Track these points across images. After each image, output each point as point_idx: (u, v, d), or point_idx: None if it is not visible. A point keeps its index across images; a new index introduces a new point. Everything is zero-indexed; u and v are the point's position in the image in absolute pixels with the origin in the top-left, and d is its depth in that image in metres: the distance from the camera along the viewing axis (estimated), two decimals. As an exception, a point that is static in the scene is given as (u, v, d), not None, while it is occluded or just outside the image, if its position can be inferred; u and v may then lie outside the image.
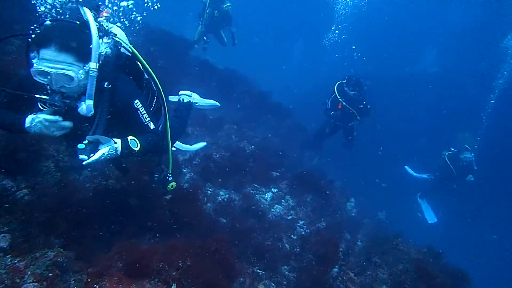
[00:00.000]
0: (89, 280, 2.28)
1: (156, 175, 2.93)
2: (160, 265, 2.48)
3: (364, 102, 8.34)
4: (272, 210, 5.92)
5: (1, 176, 3.15)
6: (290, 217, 5.89)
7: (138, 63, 2.73)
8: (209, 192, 5.57)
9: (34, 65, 2.05)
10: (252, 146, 7.67)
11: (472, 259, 9.66)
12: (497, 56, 15.79)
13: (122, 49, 2.59)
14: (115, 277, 2.20)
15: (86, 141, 2.14)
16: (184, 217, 4.08)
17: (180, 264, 2.63)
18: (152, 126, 2.52)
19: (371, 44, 17.86)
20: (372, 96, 8.92)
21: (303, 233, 5.62)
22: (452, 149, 10.14)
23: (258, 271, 4.51)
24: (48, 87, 2.17)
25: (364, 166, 11.57)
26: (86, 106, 2.21)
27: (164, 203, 4.15)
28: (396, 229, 5.84)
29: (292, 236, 5.43)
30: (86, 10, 2.31)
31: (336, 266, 5.03)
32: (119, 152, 2.26)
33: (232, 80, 11.04)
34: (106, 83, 2.29)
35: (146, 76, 2.90)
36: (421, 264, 4.59)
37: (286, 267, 4.79)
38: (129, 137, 2.36)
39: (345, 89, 8.17)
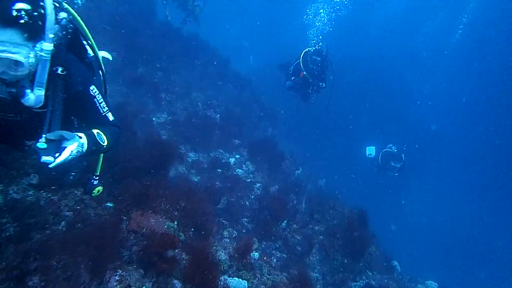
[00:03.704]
0: (116, 212, 3.03)
1: (73, 173, 2.37)
2: (167, 206, 3.31)
3: (323, 75, 9.02)
4: (235, 173, 6.86)
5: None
6: (249, 180, 6.89)
7: (81, 37, 2.26)
8: (181, 153, 6.31)
9: None
10: (218, 115, 8.43)
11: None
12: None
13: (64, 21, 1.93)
14: (138, 211, 2.99)
15: (43, 140, 1.72)
16: (163, 166, 4.71)
17: (178, 206, 3.47)
18: (111, 117, 2.16)
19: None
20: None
21: (259, 193, 6.65)
22: (394, 149, 10.97)
23: (223, 221, 5.48)
24: None
25: (313, 139, 12.90)
26: (35, 97, 1.76)
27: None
28: (335, 193, 7.16)
29: (251, 196, 6.44)
30: None
31: (285, 221, 6.18)
32: (85, 149, 1.86)
33: (196, 46, 11.41)
34: (60, 69, 1.85)
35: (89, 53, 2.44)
36: (350, 220, 5.88)
37: (245, 219, 5.83)
38: (94, 131, 1.98)
39: (308, 60, 8.56)
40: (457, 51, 19.40)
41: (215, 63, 11.43)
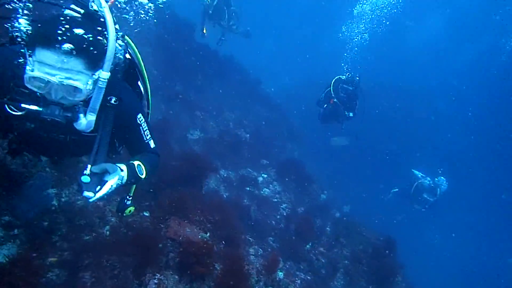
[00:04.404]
0: (155, 220, 3.25)
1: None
2: (201, 218, 3.49)
3: (354, 104, 9.03)
4: (262, 192, 7.00)
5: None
6: (276, 200, 7.00)
7: (135, 66, 2.37)
8: (215, 168, 6.54)
9: (28, 68, 1.63)
10: (248, 135, 8.68)
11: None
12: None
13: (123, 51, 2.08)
14: (175, 220, 3.19)
15: (88, 172, 1.77)
16: (198, 180, 4.92)
17: (211, 219, 3.65)
18: (152, 144, 2.23)
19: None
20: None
21: (285, 214, 6.73)
22: (431, 182, 10.42)
23: (249, 238, 5.58)
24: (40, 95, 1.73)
25: (340, 163, 12.84)
26: (86, 122, 1.83)
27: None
28: (361, 220, 7.12)
29: (277, 216, 6.54)
30: (102, 1, 1.88)
31: (310, 243, 6.20)
32: (124, 182, 1.92)
33: (230, 67, 11.83)
34: (113, 99, 1.93)
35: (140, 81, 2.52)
36: (377, 247, 5.83)
37: (271, 238, 5.91)
38: (135, 162, 2.04)
39: (339, 88, 8.57)
40: (499, 80, 18.51)
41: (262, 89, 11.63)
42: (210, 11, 10.23)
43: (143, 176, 2.05)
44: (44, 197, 2.87)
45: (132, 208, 2.37)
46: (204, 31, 11.12)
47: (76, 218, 2.98)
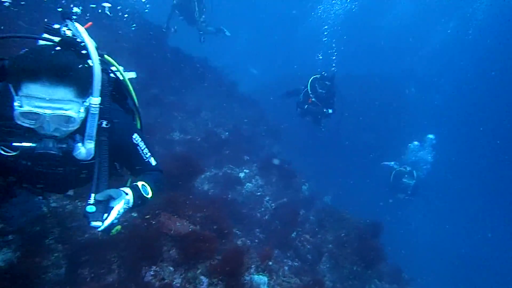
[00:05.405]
0: (148, 216, 3.37)
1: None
2: (190, 213, 3.63)
3: (332, 101, 9.32)
4: (245, 186, 7.18)
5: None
6: (259, 194, 7.20)
7: (121, 85, 2.30)
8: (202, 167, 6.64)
9: (17, 104, 1.57)
10: (227, 133, 8.82)
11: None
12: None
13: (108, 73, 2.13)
14: (166, 215, 3.32)
15: (92, 201, 1.76)
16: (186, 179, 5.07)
17: (199, 213, 3.80)
18: (153, 162, 2.19)
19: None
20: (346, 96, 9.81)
21: (268, 206, 6.94)
22: (407, 168, 10.74)
23: (236, 231, 5.75)
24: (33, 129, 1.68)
25: (320, 156, 13.14)
26: (86, 150, 1.83)
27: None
28: (343, 207, 7.42)
29: (262, 208, 6.73)
30: (78, 26, 1.90)
31: (295, 231, 6.43)
32: (131, 205, 1.91)
33: (204, 69, 11.92)
34: (105, 122, 1.90)
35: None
36: (360, 231, 6.13)
37: (258, 229, 6.11)
38: (139, 183, 2.02)
39: (316, 86, 8.93)
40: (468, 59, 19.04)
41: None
42: (174, 1, 9.76)
43: (149, 196, 2.03)
44: (35, 202, 2.93)
45: (119, 227, 2.05)
46: (174, 28, 10.76)
47: (67, 221, 3.05)
